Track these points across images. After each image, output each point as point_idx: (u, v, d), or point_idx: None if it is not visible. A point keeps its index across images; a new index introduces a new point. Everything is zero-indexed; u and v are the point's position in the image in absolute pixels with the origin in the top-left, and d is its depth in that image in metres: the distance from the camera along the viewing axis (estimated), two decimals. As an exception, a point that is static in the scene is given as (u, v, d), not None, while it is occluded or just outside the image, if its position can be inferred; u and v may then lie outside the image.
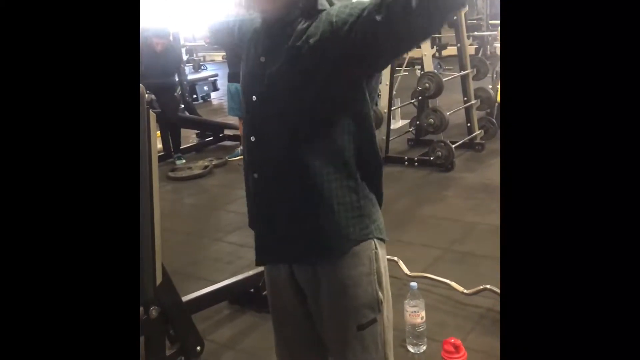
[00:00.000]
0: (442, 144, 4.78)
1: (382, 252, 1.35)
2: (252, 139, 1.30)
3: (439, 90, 4.88)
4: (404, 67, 5.86)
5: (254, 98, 1.28)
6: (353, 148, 1.27)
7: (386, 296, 1.36)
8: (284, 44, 1.22)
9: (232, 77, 5.19)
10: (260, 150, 1.30)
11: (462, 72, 5.24)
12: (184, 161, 5.67)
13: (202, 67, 12.49)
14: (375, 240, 1.33)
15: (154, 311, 2.11)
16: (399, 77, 5.66)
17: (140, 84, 1.87)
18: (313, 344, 1.45)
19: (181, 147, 5.90)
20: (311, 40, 1.18)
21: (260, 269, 2.77)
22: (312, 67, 1.19)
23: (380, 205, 1.36)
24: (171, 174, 5.31)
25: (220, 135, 6.46)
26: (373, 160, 1.31)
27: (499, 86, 5.24)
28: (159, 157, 4.03)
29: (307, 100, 1.21)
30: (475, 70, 5.47)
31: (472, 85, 5.35)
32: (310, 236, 1.29)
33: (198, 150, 6.26)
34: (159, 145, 5.54)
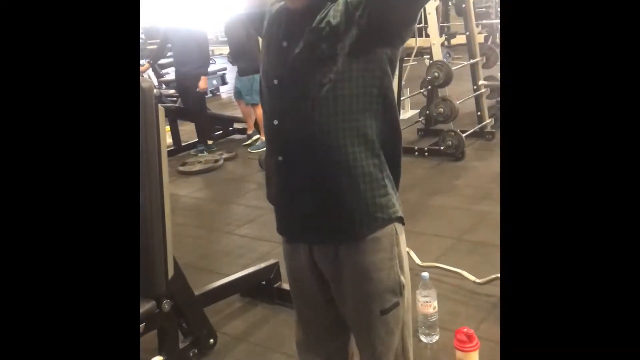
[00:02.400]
0: (452, 133, 4.75)
1: (402, 235, 1.36)
2: (275, 122, 1.30)
3: (448, 79, 4.84)
4: (412, 57, 5.83)
5: (276, 82, 1.29)
6: (376, 126, 1.27)
7: (406, 278, 1.37)
8: (305, 27, 1.23)
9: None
10: (284, 132, 1.30)
11: (472, 61, 5.19)
12: (197, 155, 5.66)
13: (211, 61, 12.45)
14: (396, 224, 1.34)
15: (166, 305, 2.12)
16: (408, 67, 5.63)
17: (146, 78, 1.87)
18: (333, 329, 1.47)
19: (190, 142, 5.91)
20: (332, 22, 1.20)
21: (272, 261, 2.79)
22: (333, 47, 1.20)
23: (397, 187, 1.37)
24: (181, 168, 5.33)
25: (230, 128, 6.48)
26: (395, 139, 1.32)
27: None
28: (169, 151, 4.04)
29: (330, 80, 1.21)
30: (484, 58, 5.42)
31: (482, 73, 5.31)
32: (336, 215, 1.28)
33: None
34: (169, 140, 5.54)
